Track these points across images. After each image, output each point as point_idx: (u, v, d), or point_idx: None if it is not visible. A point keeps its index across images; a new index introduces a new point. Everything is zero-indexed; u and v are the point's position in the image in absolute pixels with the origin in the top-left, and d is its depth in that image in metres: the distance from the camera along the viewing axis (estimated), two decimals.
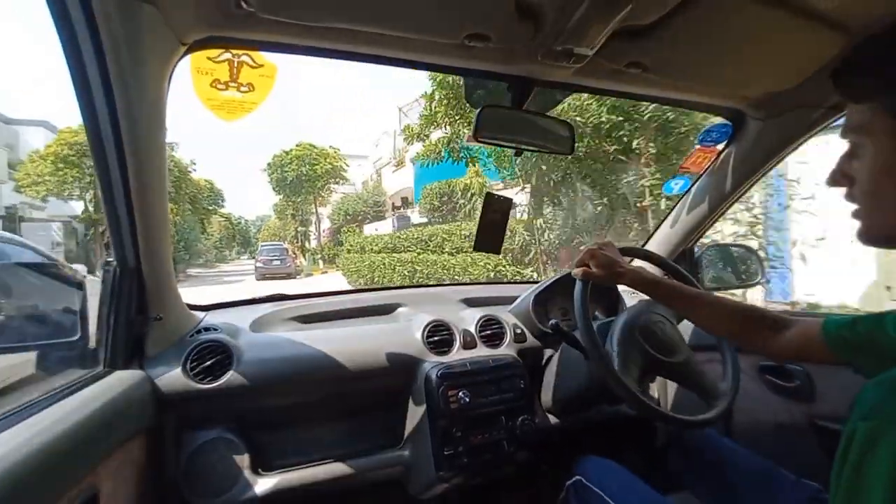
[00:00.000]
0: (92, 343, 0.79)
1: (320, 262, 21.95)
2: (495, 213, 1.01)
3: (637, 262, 1.50)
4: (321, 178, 22.01)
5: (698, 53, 0.81)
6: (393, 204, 21.36)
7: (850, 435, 0.36)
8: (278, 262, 17.09)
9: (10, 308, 0.74)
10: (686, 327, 1.10)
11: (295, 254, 21.62)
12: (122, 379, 0.80)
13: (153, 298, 0.88)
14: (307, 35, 0.73)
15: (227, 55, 0.78)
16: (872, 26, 0.70)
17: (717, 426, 0.96)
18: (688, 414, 0.91)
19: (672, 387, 1.34)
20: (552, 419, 1.22)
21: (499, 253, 1.03)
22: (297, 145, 22.31)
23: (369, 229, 18.86)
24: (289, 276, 16.70)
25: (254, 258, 21.21)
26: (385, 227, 17.18)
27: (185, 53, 0.73)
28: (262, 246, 20.33)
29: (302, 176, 21.64)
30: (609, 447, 1.32)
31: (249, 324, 1.11)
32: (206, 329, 1.01)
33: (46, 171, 14.78)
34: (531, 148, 0.97)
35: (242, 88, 0.81)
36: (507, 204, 1.02)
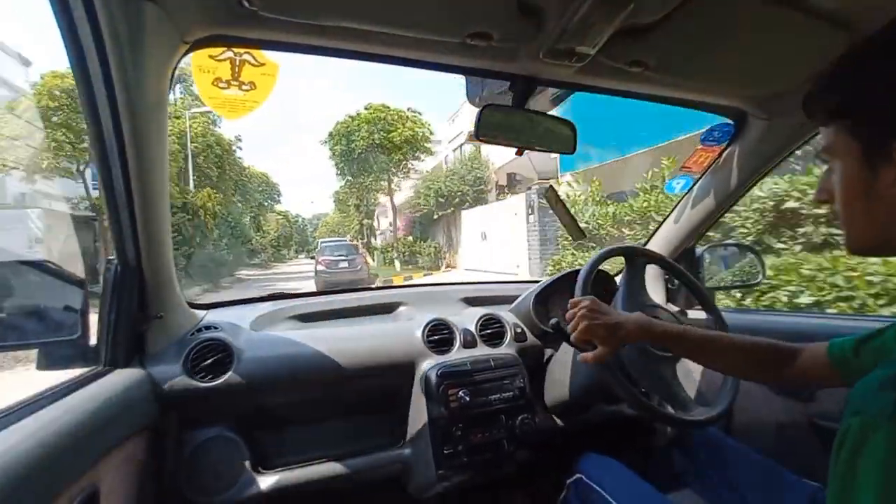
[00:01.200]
0: (93, 341, 0.79)
1: (396, 262, 17.24)
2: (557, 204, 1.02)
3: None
4: (399, 150, 16.62)
5: (701, 52, 0.81)
6: (497, 182, 15.76)
7: (844, 432, 0.37)
8: (346, 264, 12.75)
9: (12, 306, 0.74)
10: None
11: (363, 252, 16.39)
12: (123, 377, 0.80)
13: (154, 296, 0.88)
14: (309, 34, 0.73)
15: (229, 53, 0.78)
16: (875, 25, 0.70)
17: (717, 424, 0.96)
18: (688, 414, 0.91)
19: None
20: (552, 419, 1.22)
21: (583, 237, 1.02)
22: (366, 108, 17.06)
23: (470, 217, 13.88)
24: (360, 283, 11.90)
25: (312, 257, 16.67)
26: (497, 216, 11.80)
27: (188, 52, 0.73)
28: (322, 243, 15.23)
29: (374, 145, 16.42)
30: (609, 447, 1.32)
31: (250, 322, 1.11)
32: (207, 327, 1.01)
33: (20, 133, 10.33)
34: (533, 147, 0.97)
35: (244, 87, 0.81)
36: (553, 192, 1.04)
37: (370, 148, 16.57)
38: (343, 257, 12.97)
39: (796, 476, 0.84)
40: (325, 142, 17.90)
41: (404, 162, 17.49)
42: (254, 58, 0.80)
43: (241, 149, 16.58)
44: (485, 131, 0.89)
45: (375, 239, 23.88)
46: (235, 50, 0.78)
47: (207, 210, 13.65)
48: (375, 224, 25.21)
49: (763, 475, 0.87)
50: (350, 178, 18.90)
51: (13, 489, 0.48)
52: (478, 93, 1.03)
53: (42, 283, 0.77)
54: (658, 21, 0.70)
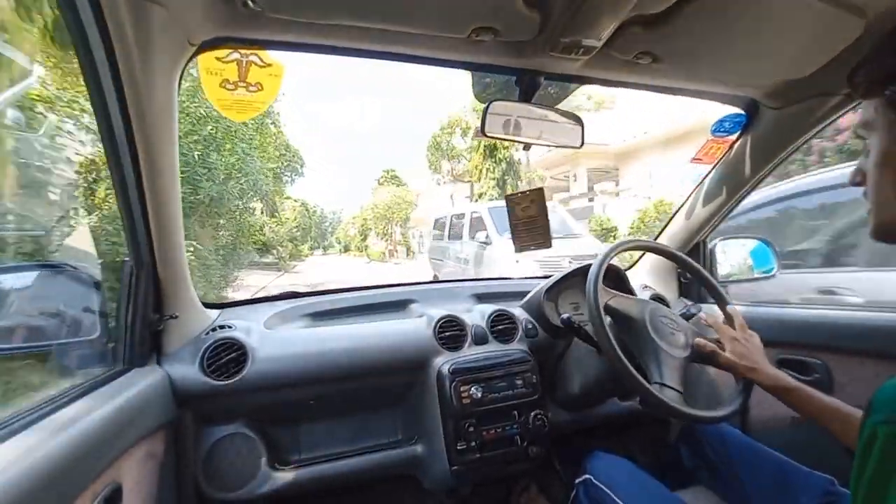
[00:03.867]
0: (111, 341, 0.81)
1: None
2: (525, 210, 1.00)
3: (648, 256, 1.49)
4: None
5: (711, 42, 0.79)
6: None
7: (871, 436, 0.36)
8: None
9: (33, 308, 0.76)
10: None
11: None
12: (141, 376, 0.82)
13: (169, 297, 0.89)
14: (314, 33, 0.73)
15: (236, 55, 0.79)
16: (889, 12, 0.68)
17: (732, 420, 0.95)
18: (701, 409, 0.90)
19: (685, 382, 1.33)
20: (565, 414, 1.22)
21: (549, 246, 1.02)
22: None
23: None
24: None
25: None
26: None
27: (195, 54, 0.74)
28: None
29: None
30: (622, 442, 1.32)
31: (264, 321, 1.12)
32: (222, 327, 1.03)
33: None
34: (540, 142, 0.96)
35: (251, 88, 0.81)
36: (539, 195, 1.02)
37: None
38: None
39: (808, 469, 0.83)
40: None
41: None
42: (260, 59, 0.81)
43: None
44: (491, 127, 0.89)
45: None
46: (242, 51, 0.79)
47: None
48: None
49: (775, 470, 0.86)
50: None
51: (41, 486, 0.49)
52: (484, 88, 1.02)
53: (60, 285, 0.79)
54: (666, 11, 0.69)
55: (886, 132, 0.45)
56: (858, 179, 0.51)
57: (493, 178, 13.81)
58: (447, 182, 20.13)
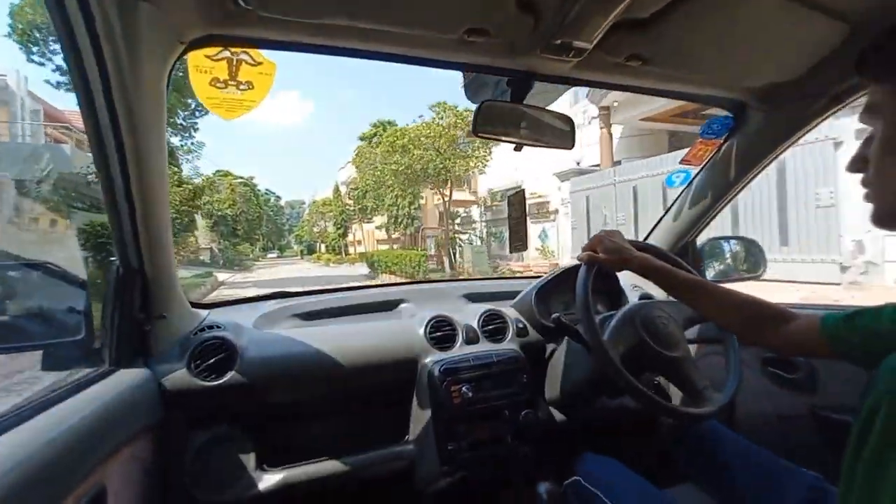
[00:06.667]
0: (97, 342, 0.80)
1: None
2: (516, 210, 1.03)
3: None
4: None
5: (700, 45, 0.80)
6: None
7: (874, 407, 0.35)
8: None
9: (16, 307, 0.75)
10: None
11: None
12: (128, 377, 0.81)
13: (156, 297, 0.88)
14: (305, 32, 0.73)
15: (226, 53, 0.78)
16: (872, 16, 0.70)
17: (719, 418, 0.96)
18: (689, 406, 0.91)
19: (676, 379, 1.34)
20: (556, 414, 1.22)
21: (526, 248, 1.06)
22: None
23: None
24: None
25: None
26: None
27: (184, 52, 0.73)
28: None
29: None
30: (612, 441, 1.33)
31: (252, 321, 1.11)
32: (210, 327, 1.02)
33: None
34: (531, 143, 0.97)
35: (241, 87, 0.81)
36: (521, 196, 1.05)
37: None
38: None
39: (795, 466, 0.84)
40: None
41: None
42: (251, 57, 0.80)
43: None
44: (483, 127, 0.90)
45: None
46: (232, 50, 0.78)
47: None
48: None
49: (763, 466, 0.87)
50: None
51: (24, 489, 0.48)
52: (475, 89, 1.03)
53: (45, 284, 0.77)
54: (656, 14, 0.70)
55: (894, 118, 0.45)
56: (858, 166, 0.50)
57: None
58: None
